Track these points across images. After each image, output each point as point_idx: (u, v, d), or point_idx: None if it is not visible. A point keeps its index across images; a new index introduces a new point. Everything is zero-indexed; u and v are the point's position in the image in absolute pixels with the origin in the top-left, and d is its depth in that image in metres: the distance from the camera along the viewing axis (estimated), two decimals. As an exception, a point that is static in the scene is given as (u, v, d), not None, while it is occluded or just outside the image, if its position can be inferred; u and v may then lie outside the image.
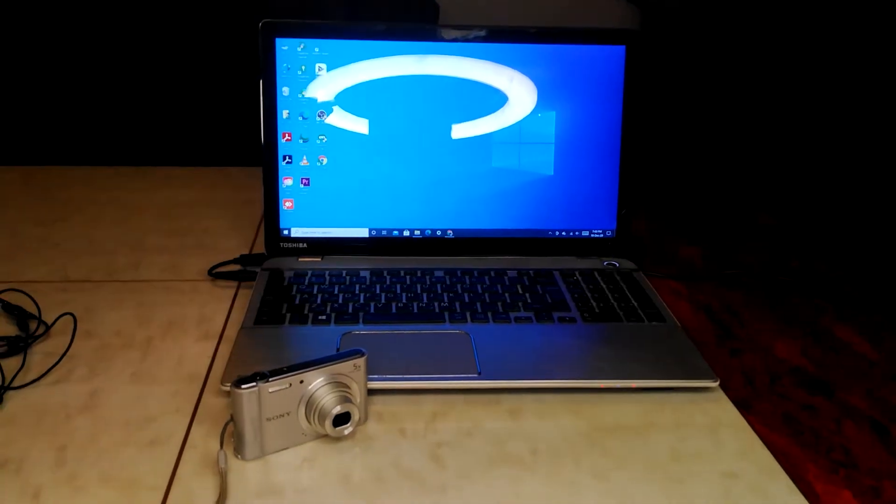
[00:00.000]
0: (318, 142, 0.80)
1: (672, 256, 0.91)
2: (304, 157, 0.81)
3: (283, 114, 0.80)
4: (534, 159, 0.82)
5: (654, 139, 1.27)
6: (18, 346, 0.67)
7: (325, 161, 0.81)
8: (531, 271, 0.81)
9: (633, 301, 0.75)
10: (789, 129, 1.29)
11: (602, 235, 0.84)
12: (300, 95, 0.79)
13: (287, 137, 0.80)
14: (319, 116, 0.80)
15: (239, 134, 1.19)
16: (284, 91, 0.79)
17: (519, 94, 0.80)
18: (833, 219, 1.21)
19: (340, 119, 0.80)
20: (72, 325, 0.70)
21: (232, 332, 0.71)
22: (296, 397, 0.55)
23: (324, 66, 0.79)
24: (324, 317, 0.71)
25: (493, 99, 0.80)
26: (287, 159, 0.81)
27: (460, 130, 0.81)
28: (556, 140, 0.82)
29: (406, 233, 0.83)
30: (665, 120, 1.27)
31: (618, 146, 0.82)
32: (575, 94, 0.81)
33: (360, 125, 0.80)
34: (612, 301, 0.75)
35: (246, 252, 0.88)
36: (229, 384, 0.58)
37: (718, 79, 1.26)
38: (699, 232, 0.99)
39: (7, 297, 0.74)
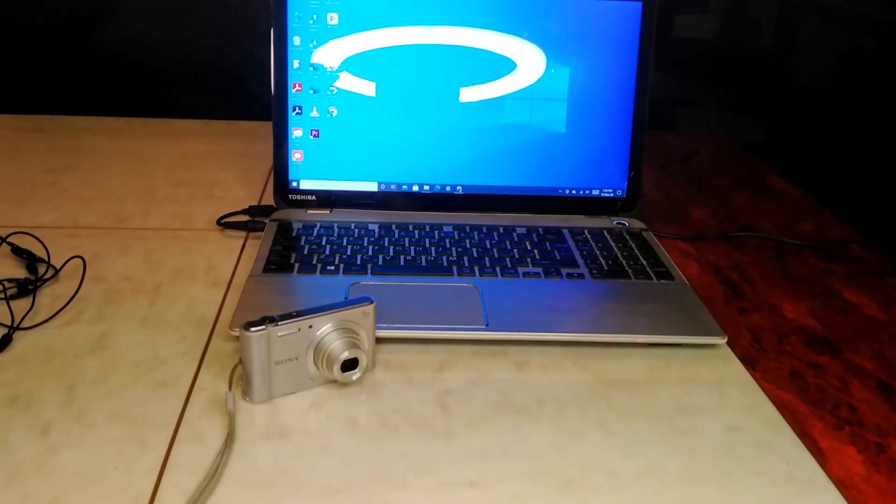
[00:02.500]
0: (329, 93, 0.80)
1: (683, 218, 0.91)
2: (315, 109, 0.80)
3: (294, 63, 0.79)
4: (546, 116, 0.81)
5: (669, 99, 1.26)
6: (27, 288, 0.67)
7: (335, 113, 0.80)
8: (540, 228, 0.80)
9: (642, 259, 0.75)
10: (804, 91, 1.27)
11: (612, 195, 0.84)
12: (311, 45, 0.78)
13: (297, 88, 0.80)
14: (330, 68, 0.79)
15: (248, 87, 1.18)
16: (295, 41, 0.78)
17: (528, 60, 0.80)
18: (846, 183, 1.20)
19: (348, 83, 0.79)
20: (80, 270, 0.71)
21: (240, 280, 0.72)
22: (304, 342, 0.56)
23: (335, 15, 0.78)
24: (332, 267, 0.71)
25: (502, 65, 0.80)
26: (297, 110, 0.80)
27: (469, 93, 0.80)
28: (569, 97, 0.81)
29: (415, 188, 0.82)
30: (678, 79, 1.25)
31: (631, 105, 0.81)
32: (589, 51, 0.80)
33: (367, 88, 0.80)
34: (621, 259, 0.75)
35: (254, 204, 0.87)
36: (238, 328, 0.59)
37: (733, 38, 1.24)
38: (711, 193, 0.98)
39: (16, 240, 0.74)
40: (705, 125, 1.29)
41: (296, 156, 0.81)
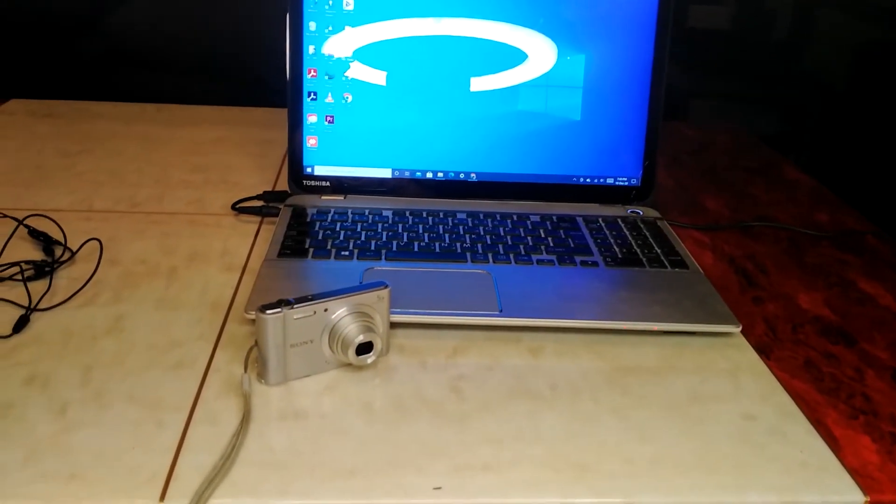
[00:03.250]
0: (344, 79, 0.80)
1: (697, 208, 0.90)
2: (329, 94, 0.80)
3: (309, 49, 0.79)
4: (561, 104, 0.81)
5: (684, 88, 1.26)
6: (44, 270, 0.68)
7: (350, 99, 0.80)
8: (554, 216, 0.80)
9: (657, 248, 0.75)
10: (819, 81, 1.27)
11: (627, 183, 0.83)
12: (327, 31, 0.78)
13: (312, 73, 0.80)
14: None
15: (260, 74, 1.18)
16: (311, 26, 0.78)
17: (539, 51, 0.79)
18: (861, 174, 1.19)
19: (359, 72, 0.79)
20: (96, 253, 0.71)
21: (255, 264, 0.72)
22: (319, 325, 0.56)
23: (351, 1, 0.78)
24: (346, 252, 0.71)
25: (513, 56, 0.80)
26: (312, 96, 0.80)
27: (480, 83, 0.80)
28: (585, 85, 0.81)
29: (429, 175, 0.82)
30: (694, 67, 1.25)
31: (647, 93, 0.81)
32: (605, 38, 0.80)
33: (378, 77, 0.80)
34: (636, 247, 0.75)
35: (269, 189, 0.88)
36: (254, 311, 0.59)
37: (748, 29, 1.24)
38: (725, 184, 0.98)
39: (33, 223, 0.74)
40: (720, 116, 1.28)
41: (310, 141, 0.81)
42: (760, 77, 1.26)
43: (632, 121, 0.82)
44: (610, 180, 0.83)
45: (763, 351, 0.63)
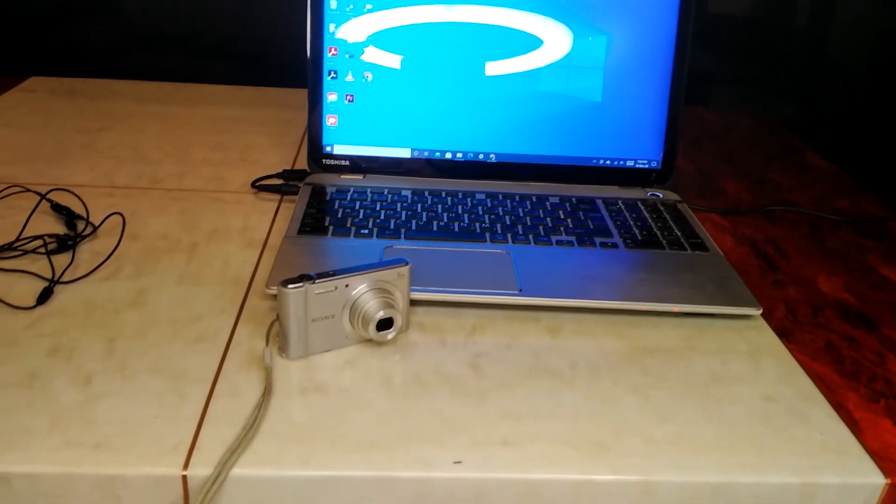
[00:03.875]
0: (378, 47, 0.79)
1: (717, 192, 0.90)
2: (350, 73, 0.80)
3: (330, 27, 0.79)
4: (581, 85, 0.80)
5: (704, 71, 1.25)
6: (67, 244, 0.68)
7: (370, 78, 0.80)
8: (573, 198, 0.80)
9: (677, 230, 0.74)
10: (840, 67, 1.25)
11: (647, 166, 0.83)
12: (348, 9, 0.78)
13: (333, 52, 0.79)
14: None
15: (275, 56, 1.19)
16: (332, 4, 0.78)
17: (554, 36, 0.79)
18: (882, 160, 1.18)
19: (375, 56, 0.79)
20: (118, 228, 0.72)
21: (275, 241, 0.72)
22: (340, 301, 0.56)
23: (373, -22, 0.78)
24: (366, 231, 0.71)
25: (529, 41, 0.79)
26: (332, 74, 0.80)
27: (498, 67, 0.80)
28: (606, 66, 0.80)
29: (448, 155, 0.82)
30: (716, 49, 1.24)
31: (669, 75, 0.81)
32: (627, 19, 0.79)
33: (395, 61, 0.79)
34: (655, 230, 0.74)
35: (288, 168, 0.88)
36: (275, 286, 0.59)
37: (768, 14, 1.22)
38: (745, 168, 0.97)
39: (55, 197, 0.75)
40: (740, 102, 1.27)
41: (330, 120, 0.81)
42: (781, 63, 1.25)
43: (653, 103, 0.81)
44: (630, 163, 0.83)
45: (783, 334, 0.63)
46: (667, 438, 0.51)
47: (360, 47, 0.79)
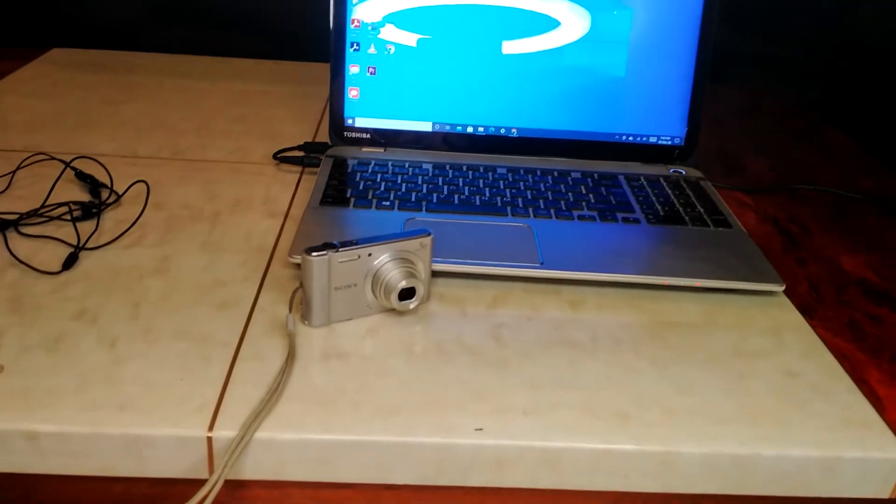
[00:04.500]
0: (395, 25, 0.79)
1: (740, 170, 0.89)
2: (372, 45, 0.80)
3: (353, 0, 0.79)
4: (605, 60, 0.80)
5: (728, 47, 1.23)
6: (91, 211, 0.69)
7: (392, 50, 0.80)
8: (595, 174, 0.80)
9: (699, 207, 0.74)
10: (865, 46, 1.23)
11: (670, 142, 0.82)
12: (372, -20, 0.78)
13: (356, 24, 0.79)
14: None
15: (294, 29, 1.18)
16: (356, -25, 0.78)
17: (571, 17, 0.78)
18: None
19: (393, 34, 0.79)
20: (141, 196, 0.72)
21: (296, 212, 0.72)
22: (363, 270, 0.56)
23: (397, -50, 0.77)
24: (387, 203, 0.71)
25: (546, 22, 0.79)
26: (355, 46, 0.80)
27: (517, 45, 0.79)
28: (631, 40, 0.79)
29: (469, 129, 0.82)
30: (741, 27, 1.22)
31: (694, 50, 0.80)
32: (654, -8, 0.78)
33: (413, 40, 0.79)
34: (678, 206, 0.74)
35: (309, 140, 0.88)
36: (298, 255, 0.60)
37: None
38: (768, 147, 0.96)
39: (79, 165, 0.75)
40: (765, 81, 1.26)
41: (352, 93, 0.81)
42: (807, 42, 1.23)
43: (677, 78, 0.80)
44: (653, 139, 0.82)
45: (806, 311, 0.63)
46: (688, 410, 0.51)
47: (386, 19, 0.79)
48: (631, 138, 0.82)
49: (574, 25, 0.79)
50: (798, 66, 1.25)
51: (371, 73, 0.81)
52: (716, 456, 0.48)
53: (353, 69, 0.80)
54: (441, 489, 0.51)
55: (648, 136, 0.82)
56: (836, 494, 0.50)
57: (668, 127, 0.82)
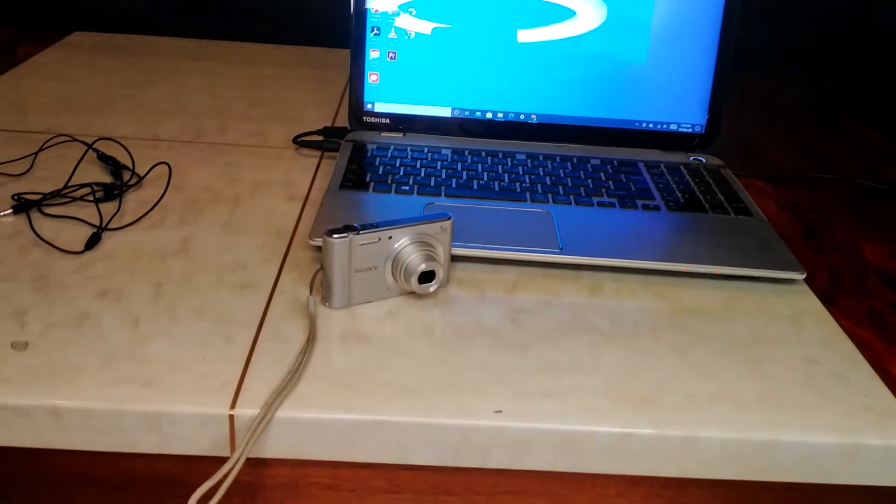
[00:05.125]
0: (409, 13, 0.79)
1: (760, 159, 0.89)
2: (393, 30, 0.80)
3: (375, -17, 0.78)
4: (626, 47, 0.79)
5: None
6: (114, 192, 0.69)
7: (412, 35, 0.80)
8: (615, 160, 0.79)
9: (720, 195, 0.74)
10: (886, 36, 1.22)
11: (690, 130, 0.82)
12: (393, -36, 0.78)
13: (376, 8, 0.79)
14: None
15: (318, 14, 1.18)
16: (377, -41, 0.78)
17: (586, 10, 0.78)
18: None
19: (409, 23, 0.79)
20: (163, 178, 0.73)
21: (316, 196, 0.73)
22: (383, 252, 0.57)
23: (419, -66, 0.77)
24: (406, 187, 0.71)
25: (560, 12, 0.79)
26: (375, 31, 0.80)
27: (529, 34, 0.79)
28: (653, 26, 0.79)
29: (489, 115, 0.82)
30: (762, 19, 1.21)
31: (717, 37, 0.79)
32: (676, -22, 0.78)
33: (428, 28, 0.79)
34: (698, 193, 0.74)
35: (328, 125, 0.88)
36: (318, 238, 0.60)
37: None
38: (789, 136, 0.96)
39: (101, 147, 0.76)
40: (786, 70, 1.25)
41: (372, 77, 0.81)
42: (827, 32, 1.22)
43: (699, 65, 0.80)
44: (673, 126, 0.82)
45: (826, 299, 0.62)
46: (707, 395, 0.51)
47: (394, 15, 0.79)
48: (651, 125, 0.82)
49: (589, 15, 0.78)
50: (818, 56, 1.24)
51: (391, 58, 0.80)
52: (735, 441, 0.48)
53: (373, 54, 0.80)
54: (460, 470, 0.51)
55: (669, 124, 0.82)
56: (856, 482, 0.50)
57: (688, 114, 0.81)
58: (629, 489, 0.52)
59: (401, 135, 0.82)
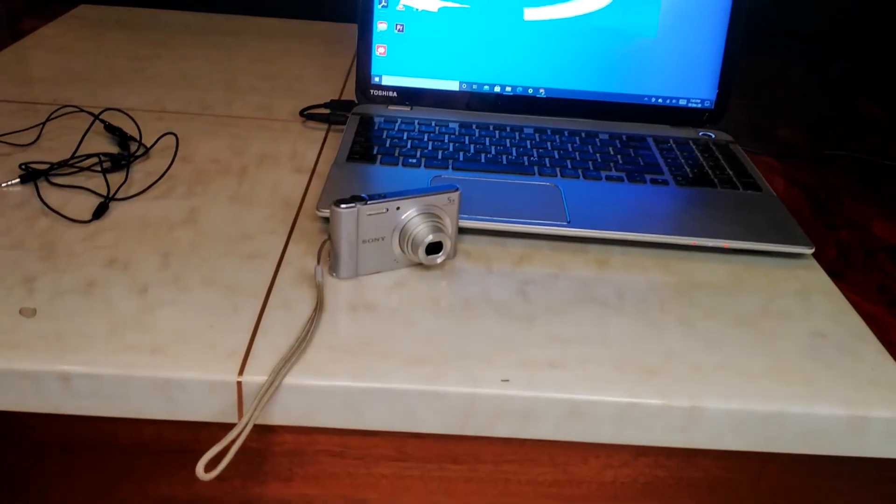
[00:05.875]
0: (417, -15, 0.79)
1: (769, 137, 0.88)
2: (401, 2, 0.79)
3: (383, -46, 0.78)
4: (636, 21, 0.79)
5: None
6: (121, 163, 0.69)
7: (420, 7, 0.79)
8: (623, 135, 0.79)
9: (729, 170, 0.73)
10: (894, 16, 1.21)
11: (700, 105, 0.81)
12: (402, -65, 0.77)
13: (385, -20, 0.79)
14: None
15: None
16: (385, -70, 0.77)
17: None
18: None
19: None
20: (169, 150, 0.72)
21: (323, 169, 0.72)
22: (391, 223, 0.56)
23: None
24: (413, 160, 0.71)
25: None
26: (383, 2, 0.79)
27: (536, 13, 0.78)
28: (664, 1, 0.78)
29: (497, 89, 0.81)
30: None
31: (728, 11, 0.78)
32: (688, -50, 0.77)
33: (434, 5, 0.78)
34: (707, 168, 0.73)
35: (335, 98, 0.88)
36: (325, 209, 0.60)
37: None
38: (798, 115, 0.95)
39: (108, 118, 0.76)
40: (795, 51, 1.24)
41: (379, 50, 0.81)
42: (838, 12, 1.21)
43: (710, 40, 0.79)
44: (683, 101, 0.81)
45: (834, 275, 0.62)
46: (715, 367, 0.51)
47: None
48: (661, 100, 0.81)
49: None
50: (829, 36, 1.23)
51: (399, 31, 0.80)
52: (742, 412, 0.48)
53: (380, 26, 0.80)
54: (466, 439, 0.51)
55: (678, 99, 0.81)
56: (862, 454, 0.50)
57: (698, 90, 0.81)
58: (634, 459, 0.52)
59: (408, 108, 0.82)
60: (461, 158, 0.72)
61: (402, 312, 0.53)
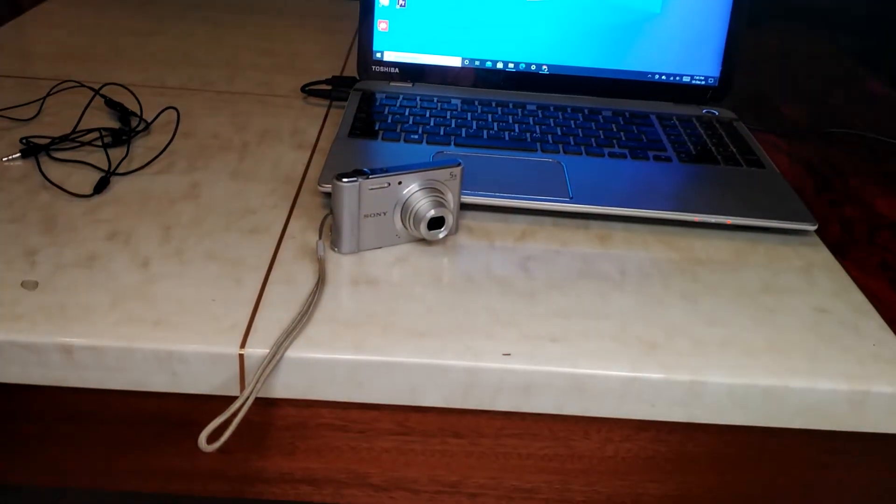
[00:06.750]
0: (420, -40, 0.78)
1: (773, 114, 0.88)
2: (403, -23, 0.78)
3: (385, -72, 0.77)
4: (640, -4, 0.78)
5: None
6: (122, 138, 0.69)
7: (423, -18, 0.78)
8: (627, 112, 0.78)
9: (732, 147, 0.73)
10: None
11: (704, 83, 0.81)
12: None
13: (387, -46, 0.78)
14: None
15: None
16: None
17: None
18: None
19: None
20: (171, 125, 0.72)
21: (324, 145, 0.72)
22: (393, 198, 0.56)
23: None
24: (415, 136, 0.71)
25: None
26: (385, -22, 0.79)
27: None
28: (667, -24, 0.77)
29: (500, 65, 0.81)
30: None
31: (732, -14, 0.78)
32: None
33: None
34: (710, 145, 0.73)
35: (337, 75, 0.87)
36: (327, 184, 0.60)
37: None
38: (803, 92, 0.94)
39: (108, 93, 0.75)
40: (800, 26, 1.23)
41: (381, 25, 0.80)
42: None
43: (714, 17, 0.78)
44: (686, 79, 0.81)
45: (837, 251, 0.62)
46: (717, 341, 0.51)
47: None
48: (664, 77, 0.81)
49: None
50: (835, 12, 1.22)
51: (401, 6, 0.79)
52: (743, 386, 0.48)
53: (383, 1, 0.79)
54: (467, 413, 0.51)
55: (682, 76, 0.81)
56: (864, 429, 0.50)
57: (702, 67, 0.80)
58: (635, 434, 0.52)
59: (410, 84, 0.81)
60: (463, 135, 0.72)
61: (404, 287, 0.53)
